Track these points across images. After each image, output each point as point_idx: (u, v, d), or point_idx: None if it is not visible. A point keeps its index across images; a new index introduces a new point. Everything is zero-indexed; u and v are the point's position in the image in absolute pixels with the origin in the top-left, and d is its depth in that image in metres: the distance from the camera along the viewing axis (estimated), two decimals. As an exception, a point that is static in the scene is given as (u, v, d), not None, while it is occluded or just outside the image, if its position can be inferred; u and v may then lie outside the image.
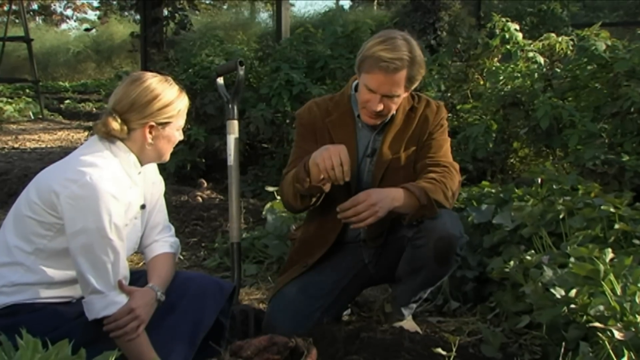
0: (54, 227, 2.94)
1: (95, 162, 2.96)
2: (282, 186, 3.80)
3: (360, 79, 3.63)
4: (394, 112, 3.74)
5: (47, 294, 3.01)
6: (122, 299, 2.95)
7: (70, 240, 2.88)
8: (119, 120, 3.05)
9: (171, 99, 3.13)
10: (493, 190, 4.84)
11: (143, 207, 3.26)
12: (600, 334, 2.92)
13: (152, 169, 3.35)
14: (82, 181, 2.86)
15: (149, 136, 3.10)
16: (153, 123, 3.09)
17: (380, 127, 3.77)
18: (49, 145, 14.43)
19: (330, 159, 3.33)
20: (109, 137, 3.08)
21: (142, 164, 3.19)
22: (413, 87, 3.65)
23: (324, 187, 3.49)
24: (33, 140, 15.37)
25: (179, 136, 3.24)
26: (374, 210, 3.34)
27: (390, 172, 3.73)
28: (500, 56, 7.68)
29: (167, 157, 3.25)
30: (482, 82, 7.78)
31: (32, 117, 20.24)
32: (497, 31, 7.47)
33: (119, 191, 2.95)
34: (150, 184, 3.31)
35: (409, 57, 3.50)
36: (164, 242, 3.35)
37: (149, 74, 3.18)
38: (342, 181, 3.37)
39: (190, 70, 9.57)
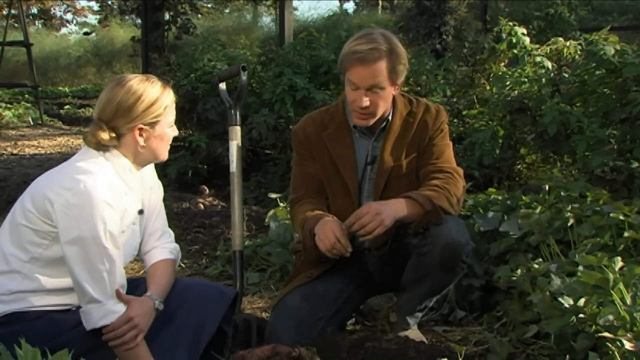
0: (49, 236, 2.91)
1: (89, 169, 2.93)
2: (292, 219, 3.90)
3: (345, 81, 3.65)
4: (389, 116, 3.76)
5: (46, 302, 3.00)
6: (120, 308, 2.92)
7: (65, 249, 2.85)
8: (107, 129, 3.02)
9: (155, 96, 3.08)
10: (500, 197, 4.80)
11: (141, 212, 3.22)
12: (609, 344, 2.93)
13: (151, 173, 3.32)
14: (76, 189, 2.83)
15: (140, 139, 3.06)
16: (141, 125, 3.05)
17: (377, 133, 3.77)
18: (48, 152, 14.41)
19: (327, 240, 3.43)
20: (101, 147, 3.03)
21: (139, 167, 3.16)
22: (399, 81, 3.65)
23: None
24: (32, 146, 15.34)
25: (172, 132, 3.20)
26: (379, 220, 3.33)
27: (393, 180, 3.72)
28: (507, 61, 7.65)
29: (164, 156, 3.21)
30: (488, 87, 7.77)
31: (32, 123, 20.20)
32: (504, 35, 7.46)
33: (113, 198, 2.92)
34: (148, 189, 3.28)
35: (387, 47, 3.53)
36: (164, 248, 3.31)
37: (130, 76, 3.14)
38: (347, 254, 3.45)
39: (192, 75, 9.56)
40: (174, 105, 3.20)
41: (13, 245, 2.96)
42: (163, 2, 16.53)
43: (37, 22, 48.55)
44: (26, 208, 2.94)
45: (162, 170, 3.06)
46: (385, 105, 3.66)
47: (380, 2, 34.51)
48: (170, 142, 3.22)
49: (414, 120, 3.77)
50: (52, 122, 21.01)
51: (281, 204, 6.18)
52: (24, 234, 2.94)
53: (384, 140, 3.75)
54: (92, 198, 2.82)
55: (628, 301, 3.08)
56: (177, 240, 3.44)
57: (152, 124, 3.08)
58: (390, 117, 3.75)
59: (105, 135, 3.01)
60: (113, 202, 2.90)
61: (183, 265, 5.75)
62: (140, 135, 3.06)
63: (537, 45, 7.39)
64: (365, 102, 3.55)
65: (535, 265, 3.78)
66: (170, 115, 3.17)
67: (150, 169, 3.31)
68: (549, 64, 6.94)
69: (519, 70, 7.02)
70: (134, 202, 3.15)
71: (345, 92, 3.67)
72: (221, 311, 3.26)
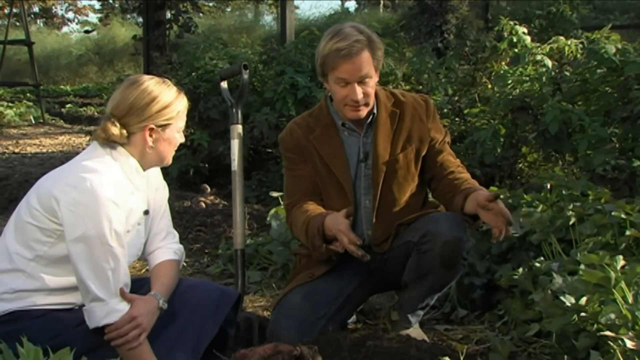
0: (55, 234, 2.91)
1: (96, 167, 2.93)
2: (291, 226, 3.83)
3: (329, 81, 3.64)
4: (374, 110, 3.74)
5: (48, 301, 3.00)
6: (124, 306, 2.92)
7: (70, 247, 2.85)
8: (118, 125, 3.03)
9: (169, 100, 3.10)
10: (501, 196, 4.77)
11: (146, 212, 3.22)
12: (611, 343, 2.93)
13: (156, 174, 3.32)
14: (82, 187, 2.83)
15: (149, 139, 3.07)
16: (153, 126, 3.06)
17: (365, 129, 3.76)
18: (50, 150, 14.41)
19: (343, 239, 3.34)
20: (109, 142, 3.05)
21: (144, 169, 3.16)
22: (380, 67, 3.66)
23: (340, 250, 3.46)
24: (34, 145, 15.34)
25: (180, 138, 3.21)
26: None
27: (390, 174, 3.72)
28: (508, 60, 7.64)
29: (169, 160, 3.22)
30: (490, 86, 7.76)
31: (33, 122, 20.21)
32: (505, 34, 7.44)
33: (119, 197, 2.93)
34: (153, 189, 3.29)
35: (365, 37, 3.54)
36: (168, 249, 3.31)
37: (146, 77, 3.16)
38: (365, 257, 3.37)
39: (193, 74, 9.55)
40: (185, 112, 3.22)
41: (18, 243, 2.96)
42: (164, 0, 16.51)
43: (38, 21, 48.59)
44: (32, 206, 2.94)
45: (164, 168, 3.06)
46: (373, 93, 3.67)
47: (381, 0, 34.50)
48: (176, 147, 3.23)
49: (402, 112, 3.77)
50: (53, 121, 21.03)
51: (282, 203, 6.17)
52: (29, 232, 2.94)
53: (374, 134, 3.74)
54: (98, 196, 2.83)
55: (630, 300, 3.08)
56: (179, 239, 3.44)
57: (163, 127, 3.10)
58: (375, 111, 3.74)
59: (115, 131, 3.01)
60: (119, 201, 2.91)
61: (185, 263, 5.73)
62: (150, 135, 3.08)
63: (538, 44, 7.37)
64: (359, 93, 3.55)
65: (537, 264, 3.79)
66: (181, 121, 3.19)
67: (156, 170, 3.32)
68: (549, 63, 6.93)
69: (520, 69, 7.02)
70: (140, 202, 3.16)
71: (332, 91, 3.66)
72: (223, 313, 3.28)
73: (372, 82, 3.60)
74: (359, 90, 3.55)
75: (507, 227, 3.32)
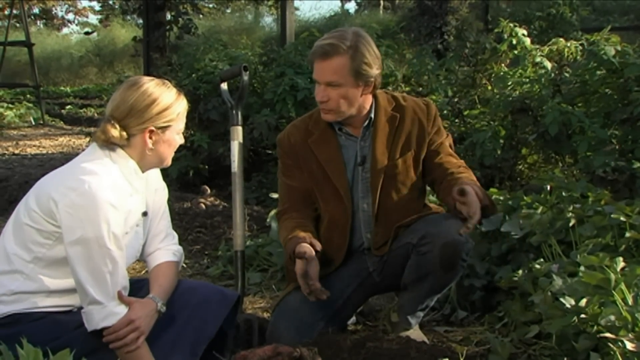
0: (53, 236, 2.91)
1: (95, 170, 2.93)
2: (278, 234, 3.88)
3: None
4: (372, 114, 3.71)
5: (47, 303, 2.99)
6: (122, 309, 2.92)
7: (69, 250, 2.85)
8: (118, 127, 3.02)
9: (170, 102, 3.10)
10: (501, 198, 4.78)
11: (145, 214, 3.21)
12: (611, 345, 2.93)
13: (156, 175, 3.32)
14: (81, 189, 2.83)
15: (149, 141, 3.07)
16: (153, 128, 3.06)
17: (362, 132, 3.73)
18: (49, 151, 14.43)
19: (304, 287, 3.41)
20: (109, 144, 3.04)
21: (143, 170, 3.16)
22: (365, 81, 3.56)
23: None
24: (34, 146, 15.37)
25: (179, 140, 3.21)
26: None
27: (389, 179, 3.70)
28: (508, 61, 7.64)
29: (168, 161, 3.22)
30: (490, 88, 7.76)
31: (33, 123, 20.25)
32: (505, 36, 7.43)
33: (118, 200, 2.92)
34: (152, 190, 3.28)
35: (348, 46, 3.47)
36: (167, 251, 3.30)
37: (145, 78, 3.15)
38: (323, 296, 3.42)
39: (193, 76, 9.54)
40: (185, 114, 3.21)
41: (16, 245, 2.96)
42: (164, 2, 16.46)
43: (38, 22, 48.63)
44: (30, 208, 2.94)
45: (164, 169, 3.06)
46: (350, 105, 3.60)
47: (381, 2, 34.47)
48: (176, 148, 3.22)
49: (402, 116, 3.73)
50: (53, 122, 21.07)
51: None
52: (27, 234, 2.94)
53: (373, 138, 3.71)
54: (96, 199, 2.82)
55: (630, 301, 3.08)
56: (179, 240, 3.43)
57: (163, 128, 3.10)
58: (373, 115, 3.71)
59: (115, 133, 3.01)
60: (117, 204, 2.90)
61: (184, 265, 5.73)
62: (150, 137, 3.07)
63: (537, 46, 7.37)
64: (322, 97, 3.55)
65: (537, 266, 3.78)
66: (181, 123, 3.19)
67: (156, 171, 3.31)
68: (548, 65, 6.94)
69: (520, 71, 7.02)
70: (139, 204, 3.15)
71: None
72: (222, 315, 3.26)
73: (344, 92, 3.54)
74: (323, 93, 3.54)
75: (467, 223, 3.30)
